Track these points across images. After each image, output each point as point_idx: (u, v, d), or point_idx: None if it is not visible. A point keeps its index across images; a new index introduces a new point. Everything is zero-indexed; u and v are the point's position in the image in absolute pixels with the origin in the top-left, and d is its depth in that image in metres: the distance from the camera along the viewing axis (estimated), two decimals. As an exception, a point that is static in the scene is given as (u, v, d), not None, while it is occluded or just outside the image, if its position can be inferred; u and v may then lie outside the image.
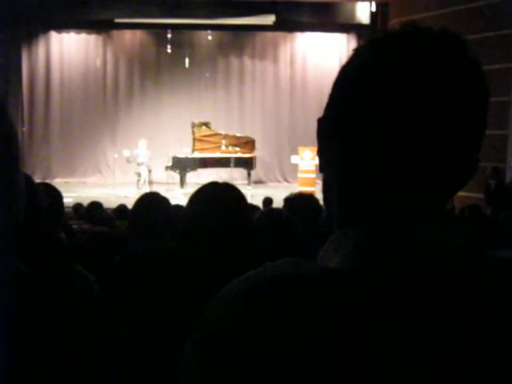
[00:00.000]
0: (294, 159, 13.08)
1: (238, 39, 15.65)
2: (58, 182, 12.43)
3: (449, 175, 0.60)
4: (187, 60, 15.47)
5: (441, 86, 0.58)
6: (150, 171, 12.65)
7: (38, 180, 1.79)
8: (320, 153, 0.68)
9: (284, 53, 15.85)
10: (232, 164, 12.55)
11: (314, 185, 12.13)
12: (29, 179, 1.59)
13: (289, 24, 14.22)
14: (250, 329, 0.55)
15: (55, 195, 2.22)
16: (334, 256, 0.60)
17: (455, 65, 0.59)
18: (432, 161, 0.59)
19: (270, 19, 13.90)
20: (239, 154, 12.84)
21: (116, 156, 12.86)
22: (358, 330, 0.53)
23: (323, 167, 0.67)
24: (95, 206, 6.15)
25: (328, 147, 0.65)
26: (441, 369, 0.53)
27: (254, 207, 5.66)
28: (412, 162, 0.59)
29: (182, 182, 12.34)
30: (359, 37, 14.69)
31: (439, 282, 0.56)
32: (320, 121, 0.67)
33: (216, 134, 13.23)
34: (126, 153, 12.44)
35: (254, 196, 11.27)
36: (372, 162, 0.60)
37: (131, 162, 12.54)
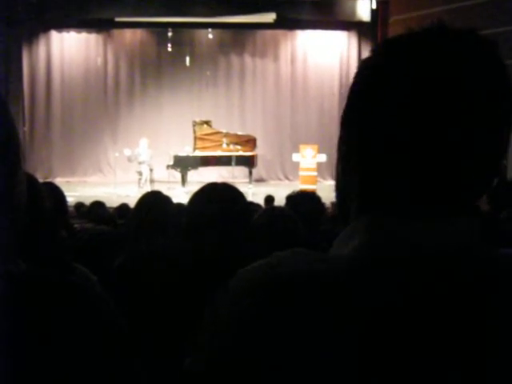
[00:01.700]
0: (296, 157, 13.06)
1: (239, 37, 15.63)
2: (59, 182, 12.43)
3: (469, 175, 0.60)
4: (188, 58, 15.46)
5: (468, 85, 0.58)
6: (151, 170, 12.66)
7: (39, 179, 1.79)
8: (341, 156, 0.67)
9: (285, 51, 15.83)
10: (233, 162, 12.54)
11: (315, 183, 12.13)
12: (33, 179, 1.59)
13: (289, 22, 14.20)
14: (257, 323, 0.55)
15: (58, 195, 2.22)
16: (348, 244, 0.61)
17: (482, 65, 0.59)
18: (454, 160, 0.58)
19: (270, 17, 13.88)
20: (240, 153, 12.83)
21: (117, 155, 12.86)
22: (364, 326, 0.53)
23: (344, 171, 0.67)
24: (97, 205, 6.14)
25: (350, 147, 0.65)
26: (447, 364, 0.53)
27: (256, 205, 5.66)
28: (434, 161, 0.58)
29: (184, 181, 12.34)
30: (360, 34, 14.68)
31: (449, 280, 0.57)
32: (341, 123, 0.67)
33: (217, 133, 13.22)
34: (127, 152, 12.45)
35: (256, 194, 11.27)
36: (396, 162, 0.60)
37: (132, 160, 12.54)
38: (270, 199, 7.96)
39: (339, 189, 0.69)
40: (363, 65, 0.65)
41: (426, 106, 0.58)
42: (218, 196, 1.69)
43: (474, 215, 0.61)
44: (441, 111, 0.58)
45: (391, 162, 0.60)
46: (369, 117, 0.62)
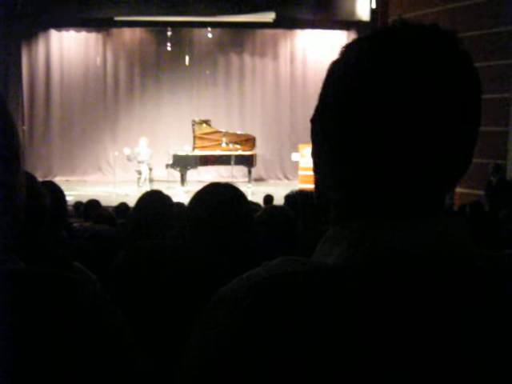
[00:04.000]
0: (295, 156, 13.06)
1: (238, 37, 15.63)
2: (58, 181, 12.41)
3: (445, 169, 0.61)
4: (187, 58, 15.46)
5: (432, 80, 0.58)
6: (150, 169, 12.65)
7: (38, 178, 1.80)
8: (314, 152, 0.68)
9: (284, 50, 15.83)
10: (232, 162, 12.54)
11: (314, 182, 12.12)
12: (32, 178, 1.59)
13: (289, 21, 14.19)
14: (257, 325, 0.55)
15: (58, 194, 2.22)
16: (331, 252, 0.61)
17: (445, 59, 0.59)
18: (427, 155, 0.59)
19: (269, 16, 13.88)
20: (240, 152, 12.83)
21: (116, 154, 12.85)
22: (359, 326, 0.54)
23: (318, 166, 0.67)
24: (93, 204, 6.13)
25: (323, 145, 0.65)
26: (441, 364, 0.54)
27: (255, 205, 5.66)
28: (408, 157, 0.59)
29: (183, 180, 12.34)
30: (359, 34, 14.64)
31: (438, 278, 0.57)
32: (313, 121, 0.67)
33: (216, 132, 13.21)
34: (127, 151, 12.44)
35: (255, 193, 11.28)
36: (368, 158, 0.60)
37: (132, 160, 12.54)
38: (269, 198, 7.97)
39: (317, 188, 0.69)
40: (333, 67, 0.66)
41: (396, 105, 0.58)
42: (219, 196, 1.69)
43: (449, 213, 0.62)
44: (413, 109, 0.58)
45: (366, 164, 0.60)
46: (341, 119, 0.62)
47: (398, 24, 0.62)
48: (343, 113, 0.62)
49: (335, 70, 0.65)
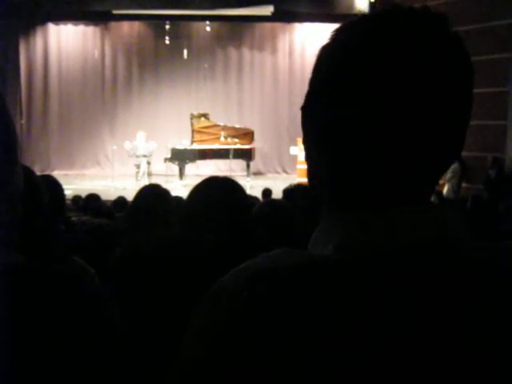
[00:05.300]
0: (293, 150, 13.05)
1: (237, 30, 15.59)
2: (56, 175, 12.30)
3: (436, 155, 0.60)
4: (186, 51, 15.42)
5: (424, 62, 0.58)
6: (148, 163, 12.64)
7: (37, 172, 1.79)
8: (305, 140, 0.67)
9: (283, 43, 15.79)
10: (231, 155, 12.53)
11: (313, 176, 12.11)
12: (30, 172, 1.59)
13: (287, 15, 14.15)
14: (256, 316, 0.55)
15: (56, 188, 2.22)
16: (325, 244, 0.60)
17: (437, 40, 0.59)
18: (420, 139, 0.58)
19: (268, 10, 13.83)
20: (238, 146, 12.82)
21: (115, 148, 12.83)
22: (351, 318, 0.54)
23: (310, 155, 0.67)
24: (93, 198, 6.14)
25: (314, 132, 0.64)
26: (432, 355, 0.54)
27: (254, 198, 5.66)
28: (400, 141, 0.58)
29: (181, 174, 12.33)
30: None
31: (430, 270, 0.57)
32: (303, 109, 0.66)
33: (215, 126, 13.20)
34: (128, 145, 12.45)
35: (254, 187, 11.27)
36: (359, 144, 0.60)
37: (130, 155, 12.55)
38: (267, 192, 7.96)
39: (309, 177, 0.69)
40: (323, 51, 0.65)
41: (388, 88, 0.58)
42: (218, 189, 1.69)
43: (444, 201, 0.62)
44: (405, 91, 0.57)
45: (357, 150, 0.60)
46: (332, 104, 0.61)
47: (389, 7, 0.61)
48: (333, 97, 0.61)
49: (326, 54, 0.64)
